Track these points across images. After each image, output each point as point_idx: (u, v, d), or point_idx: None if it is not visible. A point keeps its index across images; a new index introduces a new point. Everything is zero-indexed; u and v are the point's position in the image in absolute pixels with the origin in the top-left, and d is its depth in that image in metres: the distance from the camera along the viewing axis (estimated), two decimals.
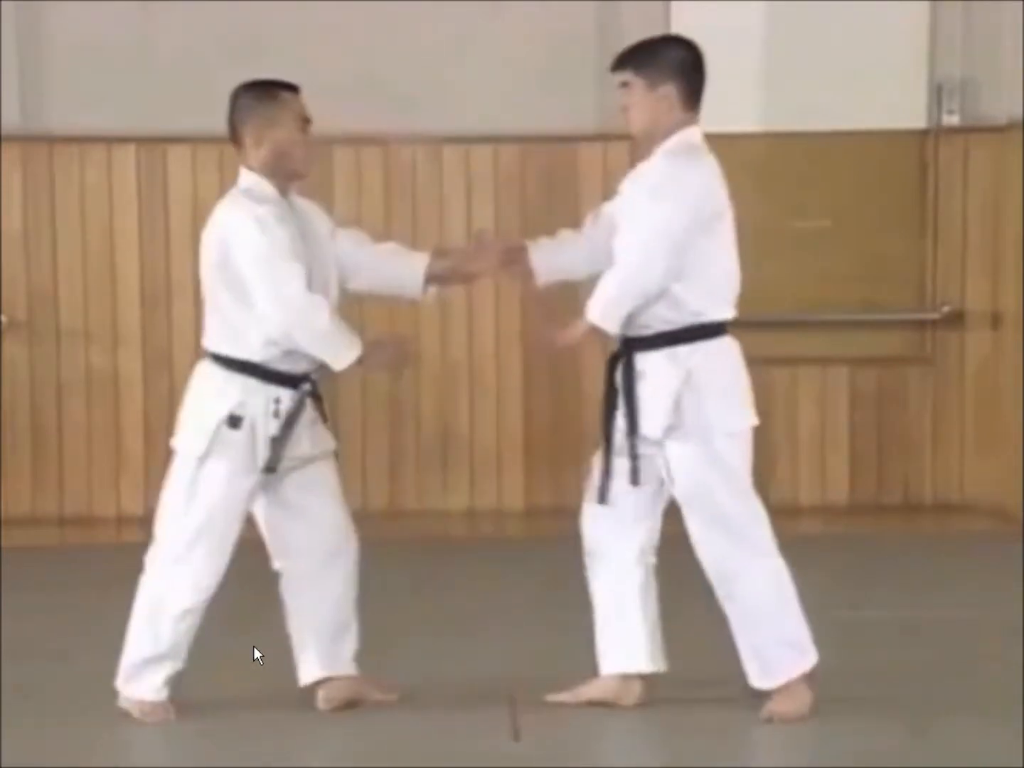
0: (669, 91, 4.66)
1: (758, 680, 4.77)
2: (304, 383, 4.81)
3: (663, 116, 4.68)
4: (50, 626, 6.24)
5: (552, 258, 4.90)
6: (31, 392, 8.62)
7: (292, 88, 4.89)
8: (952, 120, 8.60)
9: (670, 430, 4.65)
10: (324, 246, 4.88)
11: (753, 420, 4.79)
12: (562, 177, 8.61)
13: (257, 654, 5.39)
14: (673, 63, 4.70)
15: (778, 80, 8.68)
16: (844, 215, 8.69)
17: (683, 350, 4.68)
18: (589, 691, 4.90)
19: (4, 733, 4.72)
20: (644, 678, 4.87)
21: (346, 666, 4.92)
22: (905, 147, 8.67)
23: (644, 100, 4.67)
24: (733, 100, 8.52)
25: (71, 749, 4.68)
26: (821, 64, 8.56)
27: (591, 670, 5.08)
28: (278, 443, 4.75)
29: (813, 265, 8.68)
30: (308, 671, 4.91)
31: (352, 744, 4.81)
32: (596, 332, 4.71)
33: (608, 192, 8.81)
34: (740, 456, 4.74)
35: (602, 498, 4.78)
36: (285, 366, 4.78)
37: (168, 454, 8.50)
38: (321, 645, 4.89)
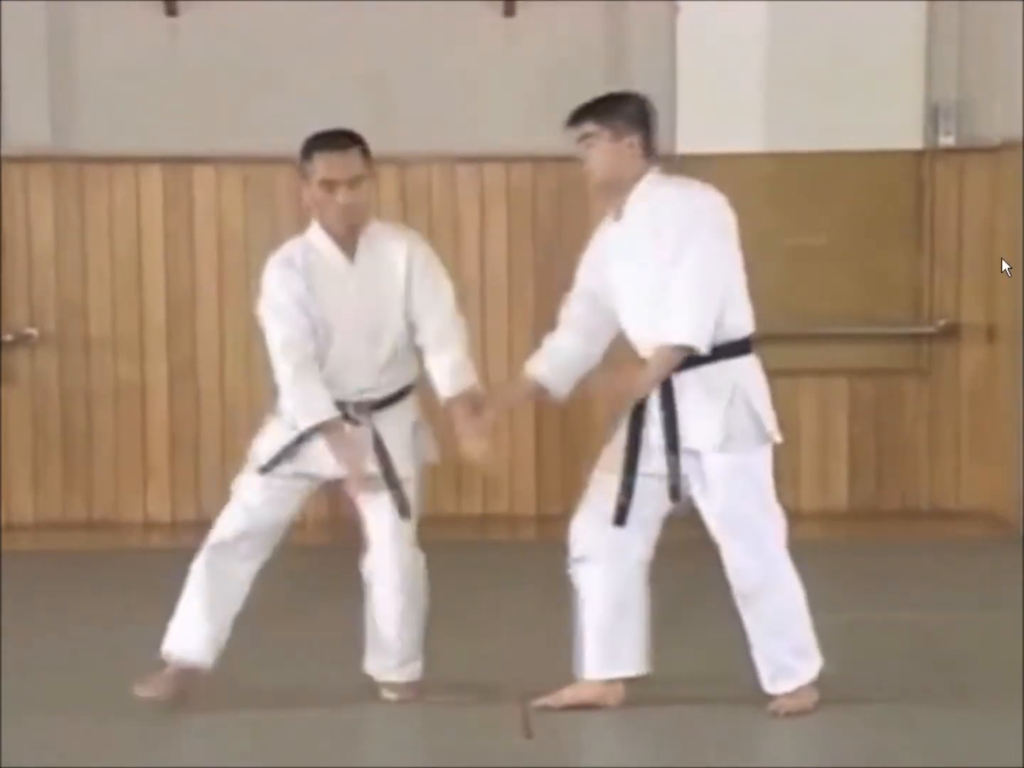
0: (633, 141, 4.77)
1: (771, 686, 4.87)
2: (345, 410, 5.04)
3: (627, 165, 4.78)
4: (77, 627, 6.35)
5: (560, 370, 4.93)
6: (61, 401, 8.72)
7: (335, 143, 4.97)
8: (948, 141, 8.66)
9: (722, 442, 4.70)
10: (380, 300, 5.03)
11: (779, 435, 4.86)
12: (572, 194, 8.62)
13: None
14: (634, 115, 4.82)
15: (778, 102, 8.75)
16: (844, 232, 8.76)
17: (724, 365, 4.74)
18: (575, 694, 4.92)
19: (32, 736, 4.81)
20: (628, 681, 4.93)
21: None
22: (903, 167, 8.73)
23: (609, 150, 4.77)
24: (735, 121, 8.72)
25: (99, 750, 4.74)
26: (820, 87, 8.64)
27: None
28: (281, 453, 5.06)
29: (814, 280, 8.75)
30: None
31: (364, 742, 4.95)
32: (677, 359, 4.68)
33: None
34: (768, 469, 4.82)
35: (621, 519, 4.76)
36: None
37: (193, 460, 8.76)
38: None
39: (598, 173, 4.81)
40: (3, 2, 8.46)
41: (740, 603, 4.86)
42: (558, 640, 5.53)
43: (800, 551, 8.13)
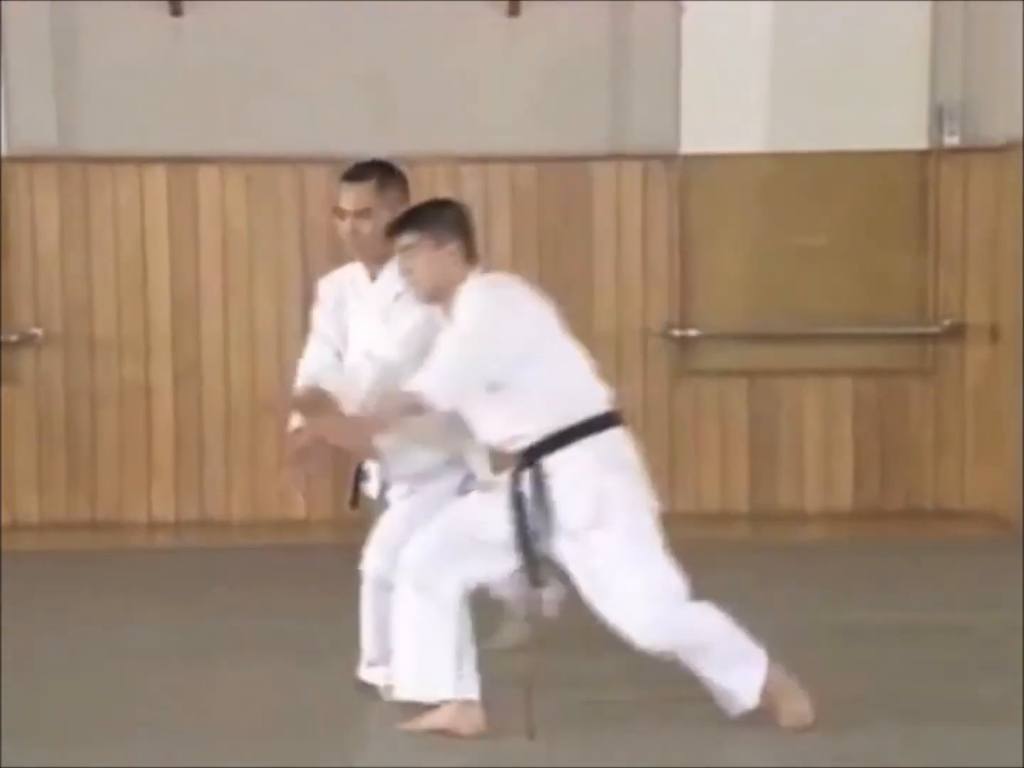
0: (454, 248, 4.80)
1: (737, 709, 4.79)
2: None
3: (451, 272, 4.79)
4: (79, 627, 6.35)
5: None
6: (66, 401, 8.76)
7: (350, 173, 5.14)
8: (953, 141, 8.70)
9: (595, 520, 4.67)
10: (382, 325, 5.16)
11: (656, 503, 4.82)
12: (576, 195, 8.79)
13: None
14: (454, 221, 4.84)
15: (783, 102, 8.80)
16: (848, 232, 8.80)
17: (583, 444, 4.71)
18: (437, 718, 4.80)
19: (32, 735, 4.81)
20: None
21: None
22: (908, 167, 8.78)
23: (433, 258, 4.78)
24: (739, 121, 8.78)
25: (99, 750, 4.71)
26: (825, 87, 8.69)
27: (602, 670, 5.27)
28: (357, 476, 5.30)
29: (818, 280, 8.79)
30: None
31: (362, 741, 4.96)
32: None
33: (621, 209, 9.10)
34: (654, 531, 4.75)
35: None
36: None
37: (197, 460, 8.77)
38: None
39: (423, 282, 4.85)
40: (7, 2, 8.50)
41: (681, 658, 4.82)
42: (559, 639, 5.50)
43: (804, 552, 8.16)
